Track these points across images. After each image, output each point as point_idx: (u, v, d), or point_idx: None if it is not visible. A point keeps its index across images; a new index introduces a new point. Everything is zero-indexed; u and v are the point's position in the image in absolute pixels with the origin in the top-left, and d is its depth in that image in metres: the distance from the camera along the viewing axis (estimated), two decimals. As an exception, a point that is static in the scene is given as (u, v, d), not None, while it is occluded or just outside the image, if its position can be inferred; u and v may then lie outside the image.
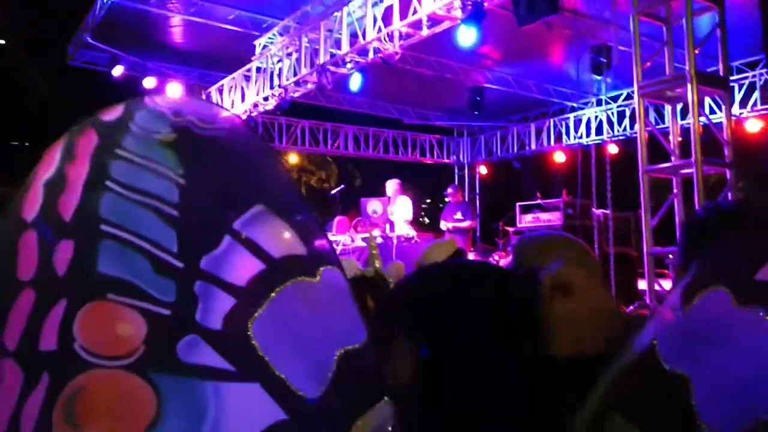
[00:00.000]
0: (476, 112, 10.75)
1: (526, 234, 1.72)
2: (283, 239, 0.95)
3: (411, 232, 9.04)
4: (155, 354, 0.86)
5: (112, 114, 1.04)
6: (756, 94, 10.97)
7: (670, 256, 6.19)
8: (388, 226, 9.18)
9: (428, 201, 24.44)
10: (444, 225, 10.08)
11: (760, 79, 10.94)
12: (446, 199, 10.99)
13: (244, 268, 0.91)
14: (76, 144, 1.01)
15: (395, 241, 8.63)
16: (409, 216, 9.44)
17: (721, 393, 0.76)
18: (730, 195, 5.85)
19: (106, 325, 0.88)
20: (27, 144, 19.52)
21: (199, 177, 0.97)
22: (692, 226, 1.55)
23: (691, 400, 0.77)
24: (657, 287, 6.30)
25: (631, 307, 6.72)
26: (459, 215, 10.09)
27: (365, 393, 0.92)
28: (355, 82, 9.64)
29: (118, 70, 11.47)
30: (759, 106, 10.97)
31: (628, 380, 0.84)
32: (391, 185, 9.59)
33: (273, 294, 0.90)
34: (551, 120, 14.23)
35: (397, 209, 9.37)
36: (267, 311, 0.89)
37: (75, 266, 0.91)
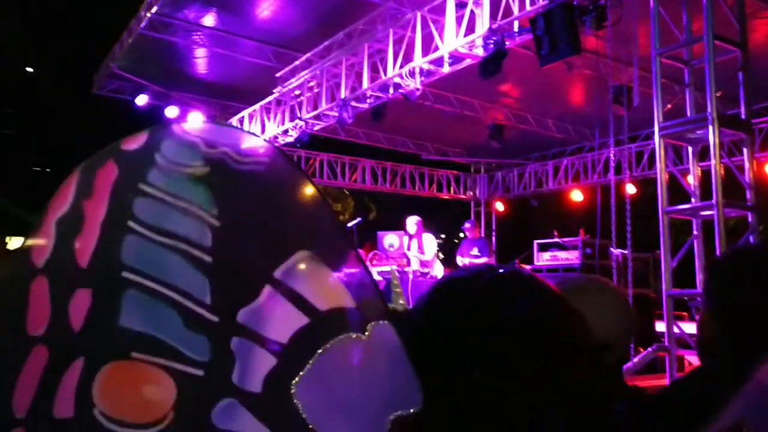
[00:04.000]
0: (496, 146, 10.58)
1: (567, 280, 1.68)
2: (329, 290, 0.84)
3: (441, 270, 9.07)
4: (187, 421, 0.77)
5: (135, 143, 0.91)
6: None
7: (698, 299, 6.12)
8: (405, 261, 9.20)
9: (443, 236, 24.39)
10: (460, 261, 10.05)
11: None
12: (462, 235, 10.94)
13: (286, 323, 0.81)
14: (94, 177, 0.89)
15: (411, 276, 8.62)
16: (435, 252, 9.52)
17: None
18: (752, 238, 5.79)
19: (130, 387, 0.78)
20: (48, 170, 19.79)
21: (236, 218, 0.87)
22: (716, 271, 1.53)
23: None
24: (676, 329, 6.21)
25: (650, 350, 6.63)
26: (476, 251, 10.06)
27: None
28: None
29: (142, 100, 11.67)
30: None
31: None
32: (412, 222, 9.61)
33: (319, 352, 0.79)
34: (569, 159, 14.23)
35: (427, 247, 9.40)
36: (312, 372, 0.78)
37: (93, 319, 0.81)
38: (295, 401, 0.77)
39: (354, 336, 0.82)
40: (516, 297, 0.90)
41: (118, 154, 0.91)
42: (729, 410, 0.80)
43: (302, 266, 0.84)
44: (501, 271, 0.96)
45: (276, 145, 1.01)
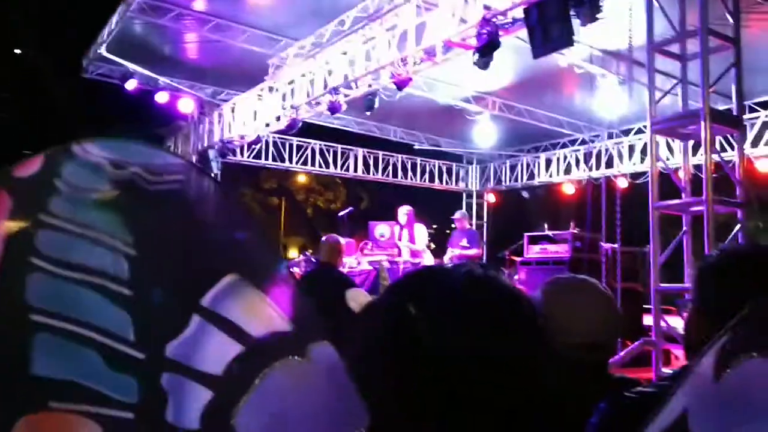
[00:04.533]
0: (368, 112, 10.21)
1: (558, 278, 1.71)
2: (263, 314, 0.79)
3: (431, 260, 9.07)
4: None
5: (30, 168, 0.81)
6: (768, 134, 10.98)
7: (686, 295, 6.13)
8: (396, 251, 9.19)
9: (435, 227, 24.40)
10: (450, 252, 10.04)
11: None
12: (453, 226, 10.93)
13: (219, 353, 0.76)
14: None
15: (402, 266, 8.62)
16: (426, 243, 9.52)
17: None
18: (740, 235, 5.80)
19: None
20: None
21: (153, 244, 0.79)
22: (706, 270, 1.51)
23: None
24: (663, 324, 6.22)
25: (636, 343, 6.63)
26: (465, 242, 10.05)
27: None
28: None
29: (131, 84, 11.55)
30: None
31: None
32: (404, 212, 9.58)
33: (257, 381, 0.75)
34: (561, 151, 14.24)
35: (418, 237, 9.39)
36: (252, 401, 0.74)
37: (1, 372, 0.72)
38: None
39: (293, 359, 0.78)
40: (483, 297, 0.88)
41: (11, 182, 0.80)
42: (672, 403, 0.78)
43: (232, 290, 0.79)
44: (472, 271, 0.95)
45: (191, 161, 0.92)
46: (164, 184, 0.83)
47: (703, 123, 5.64)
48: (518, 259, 10.13)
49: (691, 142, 6.68)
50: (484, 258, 14.97)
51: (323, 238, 5.76)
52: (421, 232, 9.52)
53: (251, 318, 0.78)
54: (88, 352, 0.73)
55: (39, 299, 0.74)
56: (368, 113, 10.48)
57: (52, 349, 0.73)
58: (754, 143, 10.93)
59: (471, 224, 13.06)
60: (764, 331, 0.77)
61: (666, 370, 5.96)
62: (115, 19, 9.97)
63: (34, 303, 0.74)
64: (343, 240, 5.93)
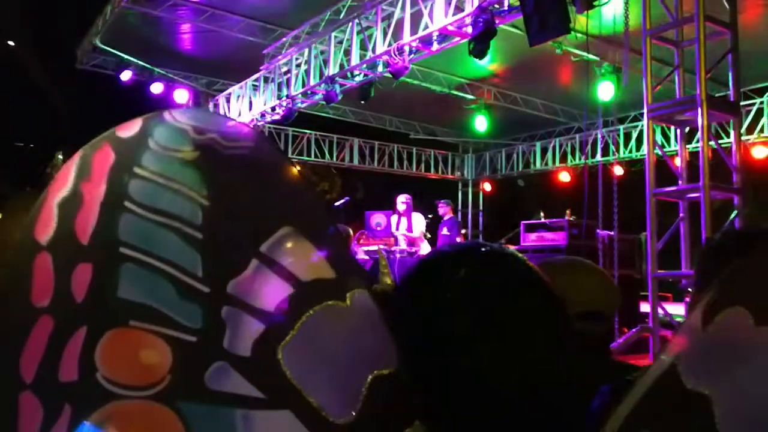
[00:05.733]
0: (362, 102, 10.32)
1: (550, 260, 1.74)
2: (311, 262, 0.91)
3: (427, 248, 9.06)
4: (182, 383, 0.83)
5: (130, 129, 0.98)
6: (763, 120, 10.97)
7: (683, 281, 6.15)
8: (393, 240, 9.18)
9: (430, 216, 24.35)
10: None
11: (768, 106, 10.96)
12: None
13: (272, 293, 0.87)
14: (92, 161, 0.96)
15: (398, 256, 8.62)
16: (423, 231, 9.50)
17: (742, 412, 0.76)
18: (738, 221, 5.81)
19: (129, 353, 0.84)
20: (32, 146, 19.54)
21: (224, 197, 0.93)
22: (710, 252, 1.52)
23: (713, 420, 0.76)
24: (660, 310, 6.25)
25: (634, 330, 6.67)
26: (445, 231, 10.10)
27: (397, 417, 0.88)
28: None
29: (126, 75, 11.50)
30: (766, 132, 10.98)
31: (650, 400, 0.84)
32: (402, 200, 9.56)
33: (303, 319, 0.86)
34: (557, 139, 14.23)
35: (415, 226, 9.38)
36: (297, 337, 0.85)
37: (94, 291, 0.87)
38: (281, 363, 0.83)
39: (335, 303, 0.89)
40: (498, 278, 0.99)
41: (115, 140, 0.97)
42: (665, 354, 0.85)
43: (286, 241, 0.91)
44: (483, 249, 1.02)
45: (260, 130, 1.04)
46: (236, 149, 0.98)
47: (700, 109, 5.64)
48: (514, 247, 10.15)
49: (687, 129, 6.68)
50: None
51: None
52: (419, 220, 9.52)
53: (301, 265, 0.90)
54: (163, 282, 0.86)
55: (128, 235, 0.89)
56: (363, 102, 10.45)
57: (136, 277, 0.87)
58: (749, 130, 10.94)
59: (455, 213, 13.08)
60: (746, 286, 0.83)
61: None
62: (108, 9, 9.91)
63: (125, 238, 0.89)
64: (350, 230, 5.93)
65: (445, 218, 10.40)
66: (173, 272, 0.86)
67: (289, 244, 0.91)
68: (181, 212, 0.90)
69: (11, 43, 18.21)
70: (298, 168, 0.99)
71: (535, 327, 0.96)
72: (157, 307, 0.85)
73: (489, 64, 9.69)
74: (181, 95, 12.54)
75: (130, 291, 0.86)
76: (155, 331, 0.84)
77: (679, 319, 6.39)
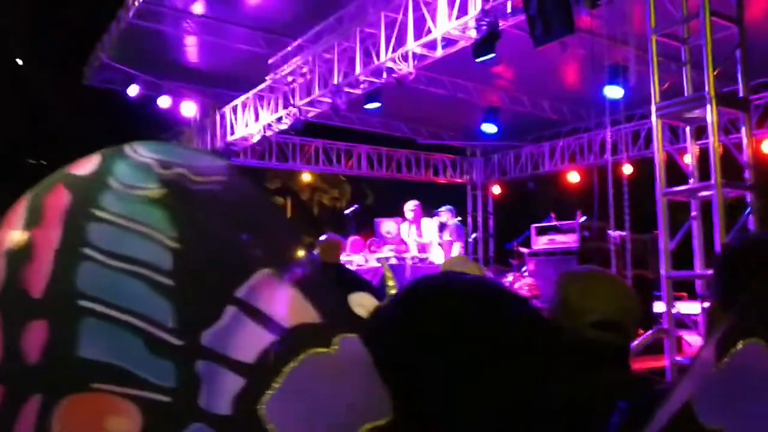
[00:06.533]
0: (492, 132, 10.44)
1: (571, 270, 1.71)
2: (293, 306, 0.83)
3: (439, 253, 8.96)
4: None
5: (86, 167, 0.88)
6: (773, 115, 10.90)
7: (696, 282, 6.09)
8: (404, 247, 9.14)
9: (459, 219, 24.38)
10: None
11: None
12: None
13: (251, 343, 0.80)
14: (43, 204, 0.85)
15: (410, 263, 8.58)
16: (434, 237, 9.39)
17: None
18: (751, 218, 5.74)
19: (93, 421, 0.76)
20: (44, 162, 19.68)
21: (195, 239, 0.85)
22: (726, 261, 1.48)
23: None
24: (674, 311, 6.18)
25: (650, 332, 6.60)
26: (447, 236, 10.04)
27: None
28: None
29: (133, 90, 11.57)
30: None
31: None
32: (410, 207, 9.51)
33: (287, 370, 0.79)
34: (565, 140, 14.17)
35: (425, 232, 9.30)
36: (281, 390, 0.78)
37: (50, 352, 0.77)
38: (265, 420, 0.77)
39: (321, 350, 0.82)
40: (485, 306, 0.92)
41: (69, 179, 0.88)
42: (679, 391, 0.81)
43: (265, 284, 0.84)
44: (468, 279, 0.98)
45: (233, 163, 1.00)
46: (207, 185, 0.89)
47: (709, 106, 5.59)
48: (526, 250, 10.09)
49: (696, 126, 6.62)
50: (481, 251, 14.98)
51: (321, 238, 5.74)
52: (429, 226, 9.47)
53: (282, 310, 0.83)
54: (130, 337, 0.78)
55: (89, 286, 0.80)
56: (370, 109, 10.45)
57: (98, 333, 0.78)
58: (759, 124, 10.84)
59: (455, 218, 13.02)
60: (760, 318, 0.79)
61: (678, 359, 5.92)
62: (114, 25, 9.98)
63: (84, 290, 0.80)
64: (341, 239, 5.91)
65: (449, 224, 10.25)
66: (141, 325, 0.79)
67: (267, 287, 0.83)
68: (147, 257, 0.82)
69: (20, 61, 18.37)
70: (276, 203, 0.93)
71: (528, 354, 0.90)
72: (124, 365, 0.77)
73: (494, 67, 9.65)
74: (188, 108, 12.59)
75: (91, 349, 0.77)
76: (122, 393, 0.76)
77: (695, 318, 6.33)
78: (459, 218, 10.58)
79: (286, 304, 0.84)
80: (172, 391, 0.77)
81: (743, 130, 6.09)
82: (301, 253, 0.91)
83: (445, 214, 10.02)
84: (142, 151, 0.89)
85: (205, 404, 0.77)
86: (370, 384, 0.82)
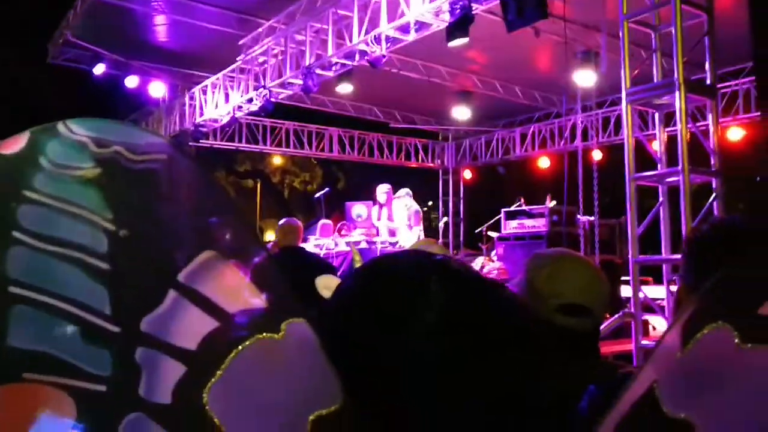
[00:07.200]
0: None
1: (540, 252, 1.69)
2: (238, 291, 0.79)
3: (408, 237, 8.94)
4: None
5: (15, 146, 0.82)
6: (738, 102, 11.10)
7: (663, 267, 6.18)
8: (374, 231, 9.12)
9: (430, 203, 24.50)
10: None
11: (742, 88, 11.08)
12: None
13: (194, 328, 0.76)
14: None
15: (379, 247, 8.58)
16: (405, 220, 9.36)
17: None
18: (716, 204, 5.84)
19: (23, 412, 0.71)
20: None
21: (133, 220, 0.80)
22: (694, 247, 1.49)
23: None
24: (641, 295, 6.28)
25: (616, 316, 6.70)
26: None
27: None
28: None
29: (99, 69, 11.32)
30: (741, 114, 11.12)
31: (628, 425, 0.78)
32: (383, 191, 9.49)
33: (231, 356, 0.75)
34: (536, 125, 14.27)
35: (396, 216, 9.27)
36: (224, 378, 0.74)
37: None
38: (207, 409, 0.73)
39: (267, 336, 0.78)
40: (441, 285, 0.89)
41: None
42: (641, 377, 0.79)
43: (208, 267, 0.79)
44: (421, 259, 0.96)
45: (173, 141, 0.93)
46: (145, 163, 0.83)
47: (678, 93, 5.65)
48: (496, 234, 10.16)
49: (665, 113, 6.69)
50: (451, 235, 14.99)
51: (280, 222, 5.62)
52: (400, 209, 9.47)
53: (226, 295, 0.79)
54: (64, 324, 0.75)
55: (19, 272, 0.76)
56: (342, 92, 10.39)
57: (29, 321, 0.74)
58: (725, 112, 11.04)
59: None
60: (726, 302, 0.77)
61: (645, 342, 6.02)
62: (79, 1, 9.72)
63: (14, 275, 0.75)
64: (299, 223, 5.75)
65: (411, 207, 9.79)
66: (75, 311, 0.74)
67: (211, 271, 0.79)
68: (81, 240, 0.77)
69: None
70: (221, 182, 0.87)
71: (504, 343, 0.88)
72: (57, 354, 0.73)
73: (467, 51, 9.64)
74: (156, 88, 12.38)
75: (22, 338, 0.73)
76: (55, 383, 0.72)
77: (661, 303, 6.44)
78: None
79: (231, 288, 0.80)
80: (109, 380, 0.73)
81: (710, 116, 6.18)
82: (247, 235, 0.87)
83: (405, 199, 9.95)
84: (76, 129, 0.84)
85: (145, 393, 0.73)
86: (319, 370, 0.79)
